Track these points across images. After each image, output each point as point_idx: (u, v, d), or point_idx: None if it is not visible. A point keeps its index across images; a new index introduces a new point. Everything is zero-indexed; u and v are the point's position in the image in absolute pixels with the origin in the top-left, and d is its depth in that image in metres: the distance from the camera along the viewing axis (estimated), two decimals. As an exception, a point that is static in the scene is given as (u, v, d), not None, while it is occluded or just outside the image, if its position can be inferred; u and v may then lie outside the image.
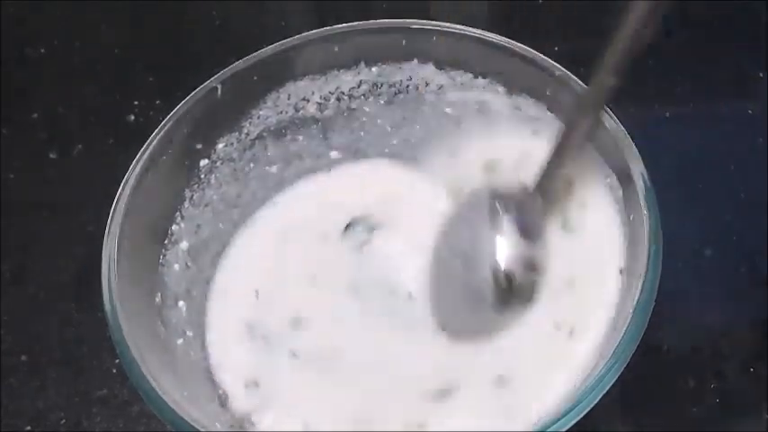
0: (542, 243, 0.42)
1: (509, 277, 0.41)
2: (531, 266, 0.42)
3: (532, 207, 0.42)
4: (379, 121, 0.49)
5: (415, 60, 0.47)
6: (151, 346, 0.39)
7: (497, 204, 0.42)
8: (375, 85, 0.49)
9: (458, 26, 0.46)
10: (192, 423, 0.34)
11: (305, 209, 0.49)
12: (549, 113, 0.45)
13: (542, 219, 0.42)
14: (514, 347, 0.41)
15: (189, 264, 0.46)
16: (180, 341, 0.42)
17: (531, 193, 0.42)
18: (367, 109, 0.49)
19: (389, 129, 0.50)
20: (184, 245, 0.45)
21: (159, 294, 0.42)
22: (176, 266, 0.44)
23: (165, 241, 0.44)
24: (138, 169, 0.41)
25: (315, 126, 0.49)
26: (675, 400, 0.48)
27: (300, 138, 0.49)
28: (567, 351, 0.40)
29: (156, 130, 0.43)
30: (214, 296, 0.46)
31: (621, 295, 0.40)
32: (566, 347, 0.40)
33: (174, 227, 0.45)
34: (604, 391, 0.34)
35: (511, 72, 0.46)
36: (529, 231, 0.42)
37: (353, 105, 0.49)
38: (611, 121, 0.41)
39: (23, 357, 0.51)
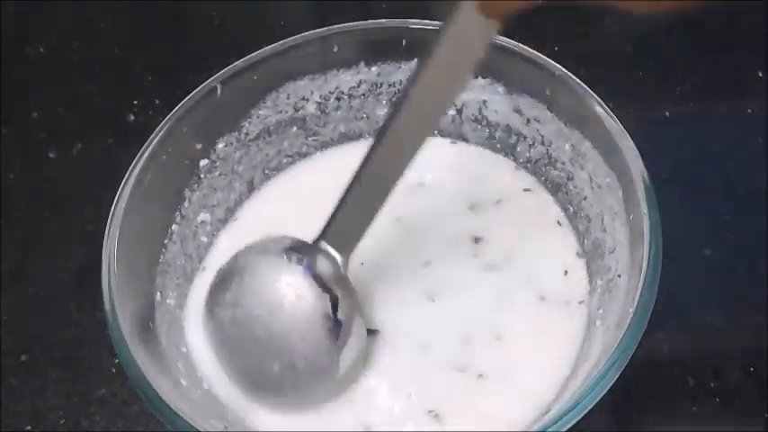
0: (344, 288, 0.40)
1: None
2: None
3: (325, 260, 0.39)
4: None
5: (415, 60, 0.47)
6: (150, 345, 0.39)
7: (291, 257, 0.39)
8: (375, 84, 0.49)
9: (458, 26, 0.46)
10: (191, 423, 0.34)
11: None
12: (549, 113, 0.45)
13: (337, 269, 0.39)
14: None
15: (188, 263, 0.46)
16: (179, 341, 0.43)
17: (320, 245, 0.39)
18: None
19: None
20: (185, 243, 0.45)
21: (159, 294, 0.42)
22: (176, 266, 0.45)
23: (165, 241, 0.44)
24: (138, 169, 0.41)
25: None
26: (675, 400, 0.47)
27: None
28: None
29: (156, 130, 0.43)
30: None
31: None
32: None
33: (173, 227, 0.45)
34: (605, 391, 0.34)
35: (511, 72, 0.46)
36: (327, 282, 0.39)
37: (353, 105, 0.49)
38: (611, 121, 0.41)
39: (23, 357, 0.51)
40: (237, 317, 0.39)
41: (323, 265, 0.39)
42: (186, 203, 0.45)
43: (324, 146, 0.51)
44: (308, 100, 0.48)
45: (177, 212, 0.45)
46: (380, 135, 0.37)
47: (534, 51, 0.44)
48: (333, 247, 0.39)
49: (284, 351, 0.39)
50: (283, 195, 0.49)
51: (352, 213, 0.39)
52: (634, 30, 0.68)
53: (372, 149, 0.37)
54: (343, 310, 0.39)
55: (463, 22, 0.35)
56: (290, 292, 0.39)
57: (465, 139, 0.50)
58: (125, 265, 0.39)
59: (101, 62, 0.67)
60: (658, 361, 0.49)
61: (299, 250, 0.40)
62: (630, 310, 0.36)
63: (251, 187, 0.49)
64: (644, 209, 0.38)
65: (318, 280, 0.39)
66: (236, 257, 0.41)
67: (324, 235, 0.40)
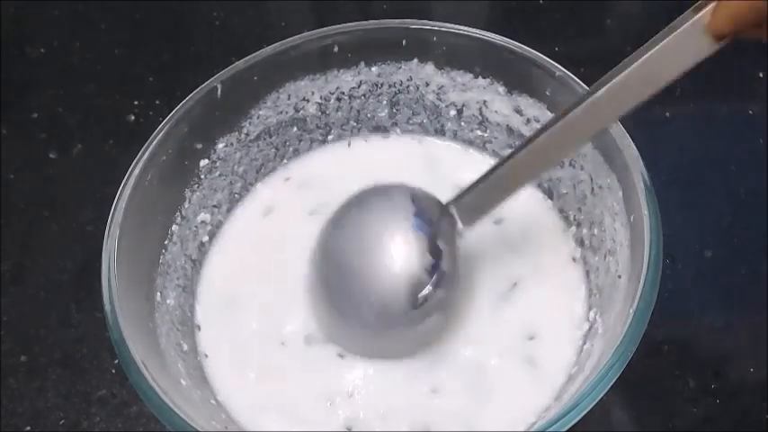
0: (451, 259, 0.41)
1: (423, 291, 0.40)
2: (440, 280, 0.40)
3: (447, 223, 0.41)
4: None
5: (416, 60, 0.47)
6: (150, 346, 0.39)
7: (418, 210, 0.41)
8: (375, 85, 0.49)
9: (458, 26, 0.46)
10: (191, 423, 0.34)
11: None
12: (549, 113, 0.45)
13: (453, 238, 0.41)
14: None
15: (188, 263, 0.46)
16: (179, 341, 0.43)
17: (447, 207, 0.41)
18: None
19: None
20: (185, 244, 0.45)
21: (159, 294, 0.42)
22: (176, 267, 0.45)
23: (165, 241, 0.44)
24: (138, 169, 0.41)
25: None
26: (675, 400, 0.48)
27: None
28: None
29: (156, 131, 0.43)
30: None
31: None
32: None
33: (173, 227, 0.45)
34: (605, 392, 0.34)
35: (511, 72, 0.46)
36: (440, 247, 0.40)
37: (354, 105, 0.49)
38: (610, 121, 0.41)
39: (23, 357, 0.51)
40: (348, 241, 0.41)
41: (442, 227, 0.40)
42: (186, 204, 0.45)
43: (324, 145, 0.51)
44: (308, 100, 0.48)
45: (177, 213, 0.45)
46: (554, 120, 0.37)
47: (534, 51, 0.44)
48: (459, 214, 0.40)
49: (373, 290, 0.40)
50: (284, 195, 0.49)
51: (490, 190, 0.40)
52: (634, 30, 0.68)
53: (538, 134, 0.38)
54: (438, 278, 0.39)
55: (684, 35, 0.34)
56: (400, 238, 0.40)
57: (465, 140, 0.50)
58: (125, 266, 0.39)
59: (101, 62, 0.67)
60: (658, 361, 0.49)
61: (426, 201, 0.41)
62: (631, 311, 0.35)
63: (251, 187, 0.49)
64: (644, 210, 0.38)
65: (431, 240, 0.40)
66: (369, 189, 0.42)
67: (456, 201, 0.41)
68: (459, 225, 0.41)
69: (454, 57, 0.47)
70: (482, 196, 0.40)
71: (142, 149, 0.42)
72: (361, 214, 0.41)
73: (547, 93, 0.45)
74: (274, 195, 0.49)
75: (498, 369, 0.42)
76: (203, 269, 0.46)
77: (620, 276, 0.40)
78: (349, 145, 0.51)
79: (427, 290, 0.39)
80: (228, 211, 0.48)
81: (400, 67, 0.48)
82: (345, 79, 0.48)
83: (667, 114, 0.60)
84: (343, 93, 0.49)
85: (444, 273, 0.40)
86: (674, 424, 0.47)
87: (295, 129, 0.49)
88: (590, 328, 0.42)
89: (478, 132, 0.49)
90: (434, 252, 0.40)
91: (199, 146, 0.46)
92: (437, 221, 0.40)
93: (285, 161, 0.50)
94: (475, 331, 0.43)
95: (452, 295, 0.41)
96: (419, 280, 0.39)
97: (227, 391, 0.42)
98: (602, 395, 0.34)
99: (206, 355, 0.43)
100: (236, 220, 0.48)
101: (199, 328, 0.44)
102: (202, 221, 0.46)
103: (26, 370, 0.51)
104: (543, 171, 0.40)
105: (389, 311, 0.40)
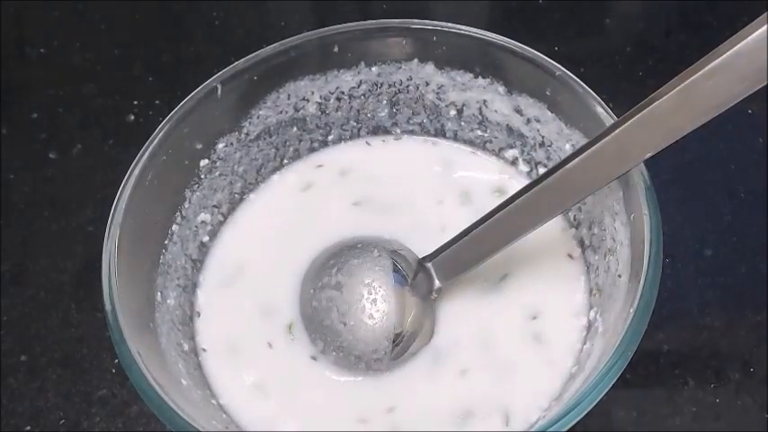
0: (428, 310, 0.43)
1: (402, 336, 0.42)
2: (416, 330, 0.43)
3: (423, 278, 0.43)
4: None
5: (416, 60, 0.47)
6: (151, 345, 0.39)
7: (399, 266, 0.43)
8: (375, 84, 0.49)
9: (458, 26, 0.46)
10: (191, 423, 0.34)
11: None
12: (549, 113, 0.45)
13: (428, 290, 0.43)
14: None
15: (188, 262, 0.46)
16: (180, 341, 0.43)
17: (424, 265, 0.43)
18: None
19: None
20: (185, 244, 0.45)
21: (159, 294, 0.42)
22: (177, 267, 0.45)
23: (165, 241, 0.44)
24: (138, 169, 0.41)
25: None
26: (675, 400, 0.48)
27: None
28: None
29: (156, 130, 0.43)
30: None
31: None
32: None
33: (173, 227, 0.45)
34: (605, 392, 0.34)
35: (511, 72, 0.46)
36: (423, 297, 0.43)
37: (354, 105, 0.49)
38: (611, 121, 0.41)
39: (23, 357, 0.51)
40: (331, 296, 0.43)
41: (418, 282, 0.43)
42: (186, 204, 0.45)
43: (324, 146, 0.51)
44: (308, 100, 0.48)
45: (177, 213, 0.45)
46: (540, 180, 0.38)
47: (534, 51, 0.44)
48: (436, 270, 0.42)
49: (352, 340, 0.42)
50: (284, 196, 0.49)
51: (468, 249, 0.41)
52: (634, 30, 0.68)
53: (520, 193, 0.39)
54: (408, 339, 0.42)
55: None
56: (379, 293, 0.42)
57: (465, 140, 0.50)
58: (125, 266, 0.39)
59: (101, 62, 0.67)
60: (658, 361, 0.49)
61: (405, 259, 0.43)
62: (631, 311, 0.35)
63: (251, 188, 0.49)
64: (644, 209, 0.38)
65: (407, 295, 0.42)
66: (350, 244, 0.45)
67: (433, 257, 0.42)
68: (437, 282, 0.42)
69: (454, 56, 0.47)
70: (459, 255, 0.41)
71: (142, 149, 0.42)
72: (344, 269, 0.43)
73: (547, 93, 0.45)
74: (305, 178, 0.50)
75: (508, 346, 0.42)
76: (207, 259, 0.47)
77: (620, 276, 0.40)
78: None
79: (400, 344, 0.42)
80: (229, 211, 0.48)
81: (400, 67, 0.48)
82: (345, 79, 0.48)
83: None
84: (342, 92, 0.49)
85: (416, 330, 0.42)
86: (674, 424, 0.47)
87: (295, 129, 0.49)
88: (590, 327, 0.42)
89: (478, 132, 0.49)
90: (409, 308, 0.42)
91: (199, 146, 0.46)
92: (414, 277, 0.43)
93: (309, 155, 0.50)
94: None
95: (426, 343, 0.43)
96: (394, 334, 0.42)
97: (228, 393, 0.42)
98: (602, 395, 0.34)
99: (204, 350, 0.43)
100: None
101: (198, 315, 0.44)
102: (202, 221, 0.47)
103: (26, 370, 0.51)
104: (523, 234, 0.39)
105: (367, 359, 0.42)
